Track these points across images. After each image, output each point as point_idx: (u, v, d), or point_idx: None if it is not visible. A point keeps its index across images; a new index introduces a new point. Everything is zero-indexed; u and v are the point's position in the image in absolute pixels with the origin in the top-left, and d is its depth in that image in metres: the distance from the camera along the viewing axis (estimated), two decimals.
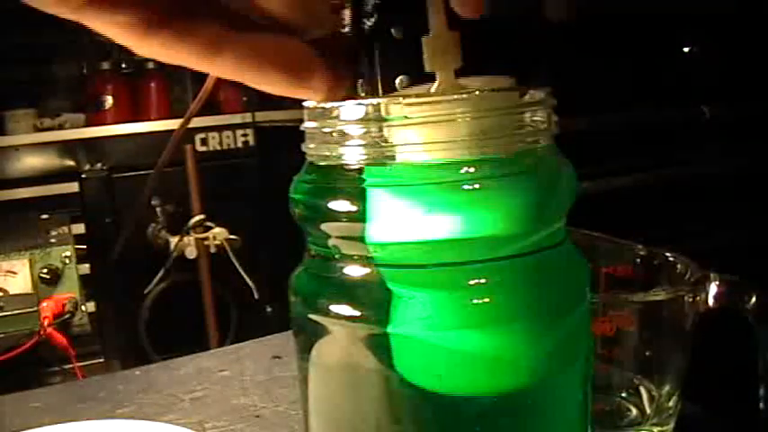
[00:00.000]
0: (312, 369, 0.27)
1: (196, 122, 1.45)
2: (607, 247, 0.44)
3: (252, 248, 1.44)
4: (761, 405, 0.39)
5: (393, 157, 0.25)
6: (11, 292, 1.17)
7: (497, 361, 0.25)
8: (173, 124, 1.38)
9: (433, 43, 0.26)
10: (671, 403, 0.41)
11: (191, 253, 1.37)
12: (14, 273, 1.17)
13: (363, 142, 0.25)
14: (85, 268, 1.34)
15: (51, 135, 1.58)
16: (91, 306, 1.33)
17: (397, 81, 0.74)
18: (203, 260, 1.39)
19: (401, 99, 0.25)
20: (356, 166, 0.25)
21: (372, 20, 0.30)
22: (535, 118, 0.26)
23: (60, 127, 1.62)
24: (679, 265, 0.41)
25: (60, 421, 0.48)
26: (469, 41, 0.26)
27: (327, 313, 0.26)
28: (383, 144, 0.25)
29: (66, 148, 1.54)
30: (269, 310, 1.48)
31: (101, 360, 1.34)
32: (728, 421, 0.47)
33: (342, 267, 0.26)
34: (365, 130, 0.25)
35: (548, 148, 0.26)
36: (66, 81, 1.71)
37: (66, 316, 1.23)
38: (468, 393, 0.25)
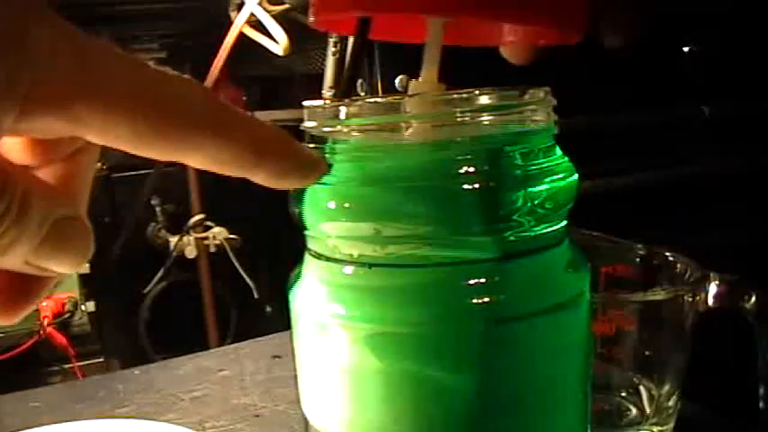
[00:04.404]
0: (312, 369, 0.27)
1: None
2: (607, 246, 0.44)
3: (252, 248, 1.44)
4: (761, 405, 0.39)
5: (393, 157, 0.25)
6: None
7: (497, 360, 0.25)
8: None
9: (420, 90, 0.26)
10: (671, 403, 0.41)
11: (190, 252, 1.37)
12: None
13: (362, 141, 0.25)
14: (85, 268, 1.33)
15: None
16: (91, 306, 1.32)
17: (397, 81, 0.74)
18: (203, 260, 1.39)
19: (400, 98, 0.25)
20: (356, 165, 0.25)
21: None
22: (535, 118, 0.26)
23: None
24: (679, 265, 0.41)
25: (60, 421, 0.48)
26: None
27: (327, 313, 0.26)
28: (381, 143, 0.25)
29: None
30: (269, 309, 1.47)
31: (100, 360, 1.33)
32: (728, 421, 0.47)
33: (342, 267, 0.26)
34: (364, 129, 0.25)
35: (547, 148, 0.26)
36: None
37: (66, 315, 1.23)
38: (468, 392, 0.25)
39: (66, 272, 0.21)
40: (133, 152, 0.20)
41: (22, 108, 0.18)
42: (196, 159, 0.21)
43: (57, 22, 0.18)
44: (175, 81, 0.20)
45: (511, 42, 0.30)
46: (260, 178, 0.22)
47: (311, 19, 0.28)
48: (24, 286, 0.22)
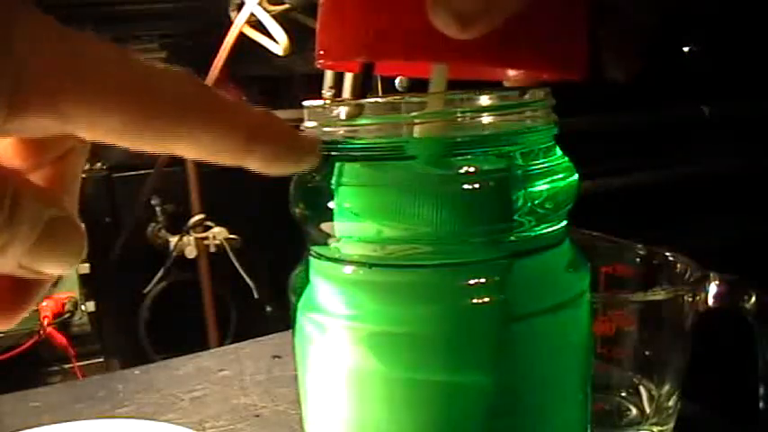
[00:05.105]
0: (312, 369, 0.27)
1: None
2: (607, 246, 0.44)
3: (252, 248, 1.44)
4: (761, 405, 0.39)
5: (392, 156, 0.25)
6: None
7: (497, 360, 0.25)
8: None
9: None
10: (671, 403, 0.41)
11: (190, 252, 1.37)
12: None
13: (362, 141, 0.25)
14: (85, 268, 1.33)
15: None
16: (91, 306, 1.32)
17: (397, 81, 0.74)
18: (203, 260, 1.39)
19: (400, 98, 0.25)
20: (356, 165, 0.25)
21: None
22: (535, 118, 0.26)
23: None
24: (679, 265, 0.41)
25: (60, 421, 0.48)
26: None
27: (327, 313, 0.26)
28: (381, 143, 0.25)
29: None
30: (269, 309, 1.47)
31: (100, 360, 1.33)
32: (728, 421, 0.47)
33: (342, 267, 0.26)
34: (364, 128, 0.25)
35: (547, 148, 0.26)
36: None
37: (66, 315, 1.23)
38: (468, 393, 0.25)
39: (59, 273, 0.21)
40: (125, 145, 0.20)
41: (10, 108, 0.18)
42: (187, 150, 0.21)
43: (39, 18, 0.18)
44: (162, 72, 0.20)
45: (514, 78, 0.30)
46: (254, 165, 0.22)
47: (317, 62, 0.28)
48: (19, 290, 0.22)
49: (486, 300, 0.24)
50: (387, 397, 0.25)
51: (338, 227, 0.25)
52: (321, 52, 0.28)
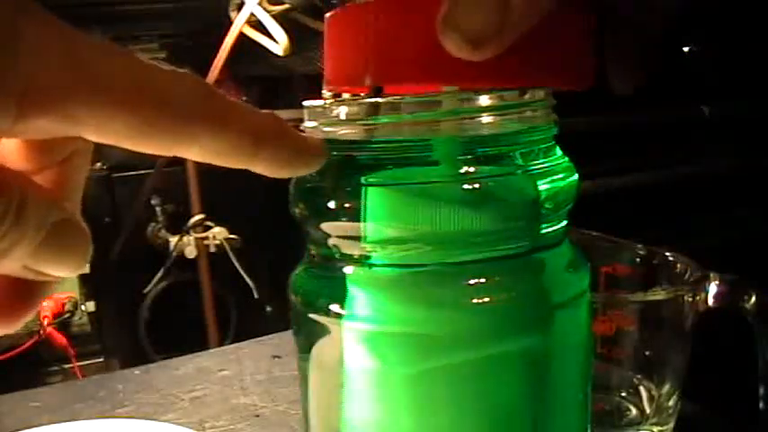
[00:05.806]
0: (312, 369, 0.27)
1: None
2: (607, 246, 0.44)
3: (252, 248, 1.44)
4: (761, 405, 0.39)
5: (391, 157, 0.25)
6: None
7: (498, 361, 0.25)
8: None
9: None
10: (671, 403, 0.41)
11: (190, 253, 1.37)
12: None
13: (362, 141, 0.25)
14: (85, 268, 1.34)
15: None
16: (90, 306, 1.33)
17: None
18: (203, 260, 1.39)
19: (399, 99, 0.25)
20: (356, 165, 0.25)
21: None
22: (535, 118, 0.26)
23: None
24: (679, 265, 0.41)
25: (60, 421, 0.48)
26: None
27: (327, 313, 0.26)
28: (381, 144, 0.25)
29: None
30: (269, 309, 1.47)
31: (100, 360, 1.34)
32: (728, 421, 0.47)
33: (342, 267, 0.26)
34: (364, 128, 0.25)
35: (547, 148, 0.26)
36: None
37: (66, 315, 1.23)
38: (467, 392, 0.25)
39: (64, 275, 0.21)
40: (131, 148, 0.20)
41: (19, 110, 0.18)
42: (194, 152, 0.21)
43: (46, 19, 0.18)
44: (169, 74, 0.20)
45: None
46: (261, 168, 0.22)
47: (326, 87, 0.28)
48: (23, 292, 0.22)
49: (486, 299, 0.24)
50: (386, 397, 0.25)
51: (338, 227, 0.25)
52: (329, 79, 0.28)
